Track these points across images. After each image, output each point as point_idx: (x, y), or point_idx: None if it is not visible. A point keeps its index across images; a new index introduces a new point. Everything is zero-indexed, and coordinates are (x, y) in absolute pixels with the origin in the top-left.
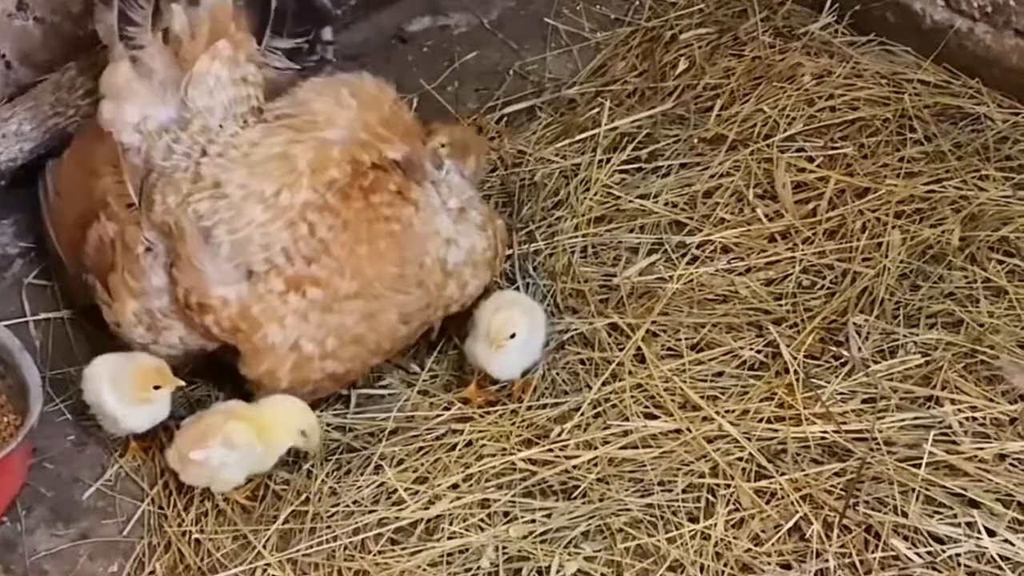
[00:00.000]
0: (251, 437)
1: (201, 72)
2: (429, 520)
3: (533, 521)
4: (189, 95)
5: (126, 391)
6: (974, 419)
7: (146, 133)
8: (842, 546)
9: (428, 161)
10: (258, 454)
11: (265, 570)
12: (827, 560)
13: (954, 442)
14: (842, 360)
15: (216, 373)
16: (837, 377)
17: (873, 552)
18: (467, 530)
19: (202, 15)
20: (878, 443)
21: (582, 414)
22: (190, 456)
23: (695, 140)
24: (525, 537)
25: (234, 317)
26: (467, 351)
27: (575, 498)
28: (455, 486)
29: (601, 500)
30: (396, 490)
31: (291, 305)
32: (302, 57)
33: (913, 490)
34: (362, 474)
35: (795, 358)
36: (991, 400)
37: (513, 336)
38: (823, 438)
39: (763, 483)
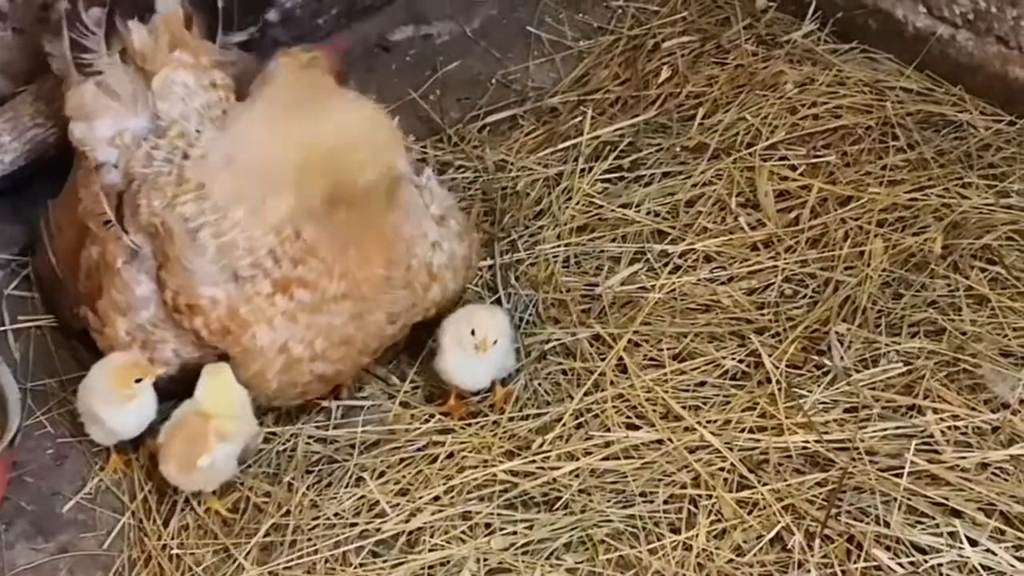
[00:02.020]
0: (230, 422)
1: (164, 84)
2: (410, 532)
3: (515, 533)
4: (160, 108)
5: (109, 391)
6: (956, 428)
7: (123, 147)
8: (824, 556)
9: (409, 166)
10: (248, 429)
11: None
12: (809, 570)
13: (936, 451)
14: (824, 369)
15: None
16: (819, 386)
17: (855, 562)
18: (448, 542)
19: (158, 25)
20: (860, 452)
21: (564, 425)
22: (198, 464)
23: (677, 149)
24: (506, 549)
25: (223, 318)
26: (436, 369)
27: (557, 509)
28: (436, 498)
29: (583, 511)
30: (377, 502)
31: (279, 307)
32: (255, 44)
33: (895, 500)
34: (343, 486)
35: (777, 368)
36: (973, 409)
37: (496, 342)
38: (805, 448)
39: (745, 493)
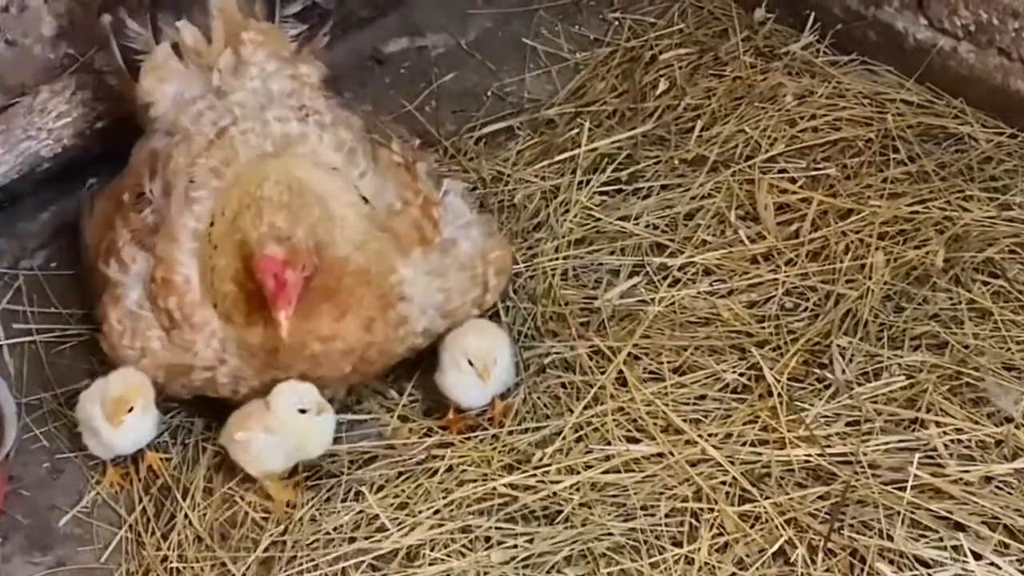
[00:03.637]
0: (284, 428)
1: (237, 63)
2: (410, 547)
3: (515, 547)
4: (226, 80)
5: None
6: (959, 441)
7: (181, 102)
8: (827, 570)
9: (428, 177)
10: (298, 444)
11: None
12: None
13: (939, 465)
14: (826, 383)
15: (195, 401)
16: (821, 400)
17: None
18: (448, 556)
19: (214, 14)
20: (863, 466)
21: (564, 438)
22: (235, 436)
23: (676, 161)
24: (507, 563)
25: (196, 304)
26: (437, 384)
27: (557, 523)
28: (436, 512)
29: (583, 525)
30: (377, 517)
31: (214, 347)
32: (307, 14)
33: (898, 513)
34: (342, 501)
35: (778, 381)
36: (976, 422)
37: (495, 360)
38: (807, 461)
39: (747, 507)
